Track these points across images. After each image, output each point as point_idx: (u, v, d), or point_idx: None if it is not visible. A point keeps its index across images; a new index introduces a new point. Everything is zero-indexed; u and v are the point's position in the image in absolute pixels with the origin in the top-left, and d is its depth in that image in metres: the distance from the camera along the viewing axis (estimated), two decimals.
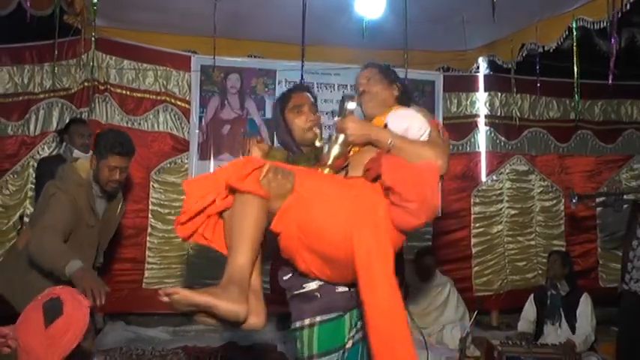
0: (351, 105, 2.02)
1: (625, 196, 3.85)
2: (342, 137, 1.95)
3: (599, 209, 5.63)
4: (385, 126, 1.96)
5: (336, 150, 1.95)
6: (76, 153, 4.22)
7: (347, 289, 1.92)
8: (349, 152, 1.97)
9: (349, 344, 1.94)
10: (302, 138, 2.29)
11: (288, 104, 2.33)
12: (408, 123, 1.92)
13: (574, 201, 3.99)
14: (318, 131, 2.29)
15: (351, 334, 1.95)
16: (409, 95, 2.24)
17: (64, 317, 1.78)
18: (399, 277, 1.82)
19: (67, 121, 4.56)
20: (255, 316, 1.69)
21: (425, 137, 1.91)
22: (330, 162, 1.94)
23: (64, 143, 4.29)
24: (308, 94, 2.39)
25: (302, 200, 1.70)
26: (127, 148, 2.99)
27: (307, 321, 1.92)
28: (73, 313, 1.80)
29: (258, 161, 1.73)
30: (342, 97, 2.05)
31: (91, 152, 3.04)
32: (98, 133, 3.25)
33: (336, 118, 2.02)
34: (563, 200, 5.80)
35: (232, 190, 1.71)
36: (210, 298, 1.54)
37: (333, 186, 1.81)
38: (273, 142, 2.34)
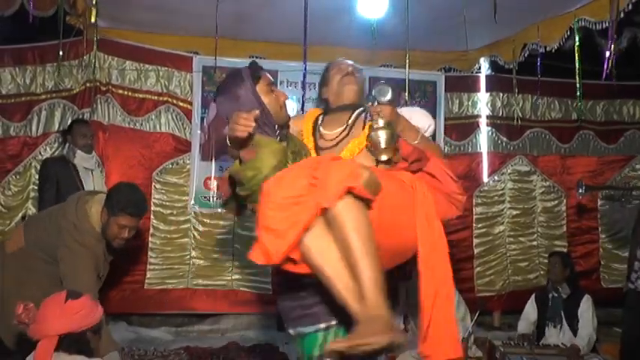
0: (386, 97, 2.05)
1: (634, 192, 3.83)
2: (381, 121, 1.99)
3: (602, 208, 5.64)
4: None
5: (384, 134, 1.97)
6: (79, 154, 4.24)
7: None
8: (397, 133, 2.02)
9: None
10: (278, 116, 2.04)
11: (259, 83, 2.04)
12: (430, 122, 2.13)
13: (581, 191, 3.97)
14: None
15: None
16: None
17: (81, 300, 2.13)
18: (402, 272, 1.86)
19: (70, 121, 4.58)
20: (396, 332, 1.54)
21: (428, 134, 2.09)
22: (384, 145, 1.97)
23: (67, 144, 4.31)
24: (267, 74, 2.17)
25: (387, 198, 1.68)
26: (140, 210, 2.96)
27: (323, 325, 1.90)
28: (90, 304, 2.16)
29: (355, 162, 1.71)
30: (378, 87, 2.08)
31: (102, 200, 2.94)
32: (112, 187, 3.15)
33: (375, 104, 2.06)
34: (565, 201, 5.80)
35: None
36: (381, 337, 1.42)
37: (393, 182, 1.82)
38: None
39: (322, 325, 1.88)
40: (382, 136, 1.96)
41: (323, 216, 1.52)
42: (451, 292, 1.83)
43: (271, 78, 2.09)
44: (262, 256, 1.54)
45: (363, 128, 2.11)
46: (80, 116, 4.78)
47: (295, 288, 1.90)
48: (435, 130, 2.05)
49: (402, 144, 2.03)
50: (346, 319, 1.63)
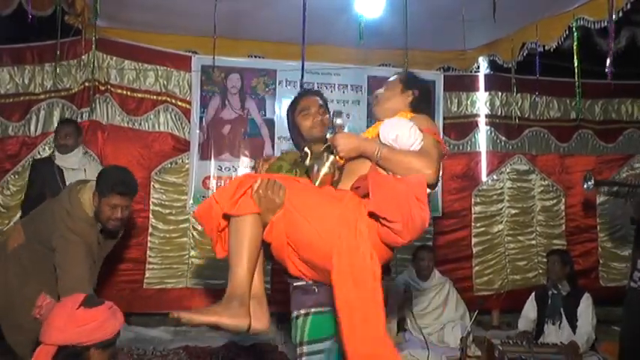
0: (338, 120, 2.10)
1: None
2: (331, 158, 2.02)
3: (601, 207, 5.64)
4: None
5: (324, 170, 2.01)
6: (56, 154, 4.24)
7: None
8: (336, 171, 2.04)
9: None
10: (310, 135, 2.42)
11: (297, 107, 2.48)
12: (397, 132, 1.92)
13: (589, 184, 3.95)
14: (323, 127, 2.43)
15: None
16: (426, 101, 2.28)
17: (95, 310, 1.88)
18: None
19: (58, 122, 4.56)
20: (258, 322, 1.83)
21: (416, 146, 1.92)
22: (317, 182, 2.00)
23: (54, 145, 4.33)
24: (316, 98, 2.52)
25: (290, 215, 1.82)
26: (129, 188, 2.97)
27: (303, 311, 2.06)
28: (105, 316, 1.90)
29: (249, 180, 1.86)
30: (332, 113, 2.17)
31: (93, 186, 2.95)
32: (101, 171, 3.17)
33: (328, 135, 2.14)
34: (563, 200, 5.81)
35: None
36: (214, 318, 1.73)
37: (321, 202, 1.88)
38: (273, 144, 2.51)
39: (301, 311, 2.07)
40: (322, 172, 2.01)
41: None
42: (371, 313, 1.76)
43: (314, 101, 2.48)
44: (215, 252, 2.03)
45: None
46: (79, 116, 4.78)
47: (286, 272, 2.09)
48: (411, 138, 1.92)
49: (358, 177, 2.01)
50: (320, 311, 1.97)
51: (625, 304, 3.87)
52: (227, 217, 1.87)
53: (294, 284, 2.10)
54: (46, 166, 4.22)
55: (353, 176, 1.97)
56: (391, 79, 2.32)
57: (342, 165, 2.05)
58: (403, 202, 1.77)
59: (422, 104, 2.24)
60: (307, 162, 2.20)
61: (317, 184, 2.00)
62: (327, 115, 2.46)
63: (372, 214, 1.77)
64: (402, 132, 1.92)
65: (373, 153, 1.92)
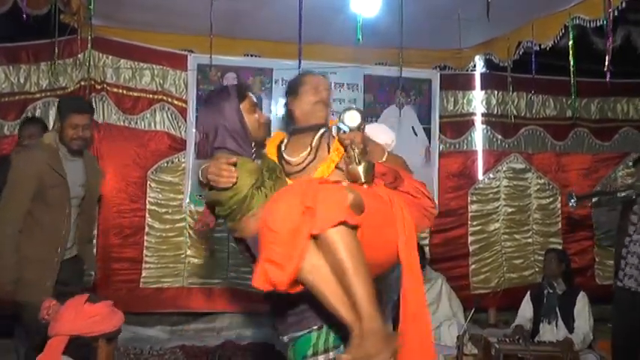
0: (358, 120, 2.04)
1: (619, 194, 3.89)
2: (357, 152, 1.98)
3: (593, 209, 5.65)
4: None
5: (362, 167, 1.96)
6: None
7: None
8: (373, 163, 2.02)
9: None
10: (256, 135, 2.07)
11: (244, 102, 2.05)
12: (392, 138, 2.18)
13: (572, 201, 4.01)
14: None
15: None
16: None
17: (98, 306, 2.13)
18: None
19: (21, 120, 4.44)
20: None
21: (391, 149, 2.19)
22: (364, 179, 1.96)
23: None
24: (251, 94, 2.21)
25: (369, 216, 1.71)
26: (84, 107, 3.30)
27: (315, 326, 1.96)
28: (107, 310, 2.15)
29: (341, 185, 1.70)
30: (349, 114, 2.04)
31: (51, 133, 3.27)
32: (58, 100, 3.65)
33: (342, 133, 2.03)
34: (559, 198, 5.81)
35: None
36: (382, 355, 1.52)
37: (372, 198, 1.84)
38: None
39: (315, 327, 1.95)
40: (361, 170, 1.96)
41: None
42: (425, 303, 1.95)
43: (255, 100, 2.12)
44: (267, 285, 1.61)
45: (329, 150, 2.13)
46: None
47: (285, 297, 1.90)
48: (394, 141, 2.04)
49: (376, 165, 2.05)
50: (335, 321, 1.71)
51: (614, 303, 3.95)
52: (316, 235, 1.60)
53: (284, 313, 2.02)
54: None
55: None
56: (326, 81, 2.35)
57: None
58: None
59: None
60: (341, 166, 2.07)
61: (363, 180, 1.96)
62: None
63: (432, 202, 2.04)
64: (394, 137, 2.20)
65: (382, 153, 2.12)
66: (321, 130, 2.21)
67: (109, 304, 2.19)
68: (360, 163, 1.96)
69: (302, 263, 1.58)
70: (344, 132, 2.03)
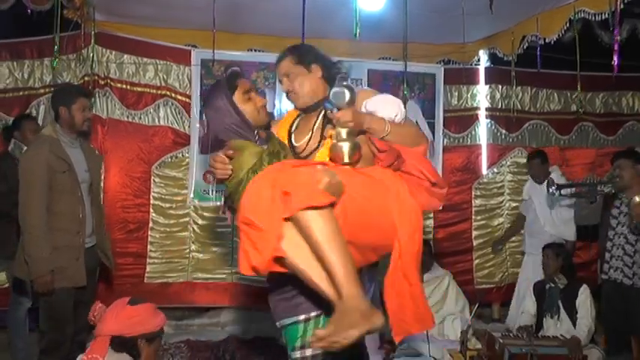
0: (349, 95, 1.97)
1: (599, 187, 3.94)
2: (345, 131, 1.93)
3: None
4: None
5: (347, 145, 1.92)
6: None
7: None
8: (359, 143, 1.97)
9: None
10: (257, 121, 2.11)
11: (236, 92, 2.12)
12: (397, 109, 1.98)
13: (553, 188, 4.04)
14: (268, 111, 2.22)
15: None
16: (334, 69, 2.23)
17: (138, 307, 2.27)
18: None
19: (15, 118, 4.47)
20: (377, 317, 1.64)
21: (401, 120, 2.00)
22: (347, 159, 1.92)
23: (13, 140, 4.22)
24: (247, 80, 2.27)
25: (352, 201, 1.73)
26: (86, 91, 3.60)
27: (302, 316, 2.00)
28: (147, 312, 2.29)
29: (314, 168, 1.69)
30: (330, 94, 1.99)
31: (49, 124, 3.42)
32: (52, 94, 3.69)
33: (334, 111, 1.98)
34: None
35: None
36: (358, 329, 1.52)
37: (366, 182, 1.85)
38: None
39: (301, 317, 1.99)
40: (344, 149, 1.91)
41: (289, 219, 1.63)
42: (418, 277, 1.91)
43: (248, 84, 2.15)
44: (249, 269, 1.67)
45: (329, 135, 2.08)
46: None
47: (280, 282, 2.01)
48: (405, 116, 1.95)
49: (376, 143, 1.96)
50: (328, 311, 1.72)
51: (602, 296, 4.08)
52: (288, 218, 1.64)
53: (277, 298, 2.07)
54: (8, 163, 4.05)
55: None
56: (285, 66, 2.19)
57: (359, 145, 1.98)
58: (435, 169, 1.95)
59: (331, 72, 2.21)
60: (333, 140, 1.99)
61: (347, 160, 1.92)
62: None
63: (434, 184, 1.90)
64: (400, 108, 2.00)
65: (383, 128, 1.95)
66: (323, 111, 2.15)
67: (151, 307, 2.32)
68: (343, 142, 1.92)
69: (280, 245, 1.61)
70: (331, 111, 1.99)
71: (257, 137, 2.06)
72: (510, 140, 5.75)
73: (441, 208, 1.99)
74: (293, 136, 2.21)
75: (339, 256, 1.57)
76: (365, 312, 1.55)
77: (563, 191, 4.59)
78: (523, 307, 4.41)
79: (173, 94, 5.06)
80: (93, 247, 3.40)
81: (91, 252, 3.36)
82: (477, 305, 4.03)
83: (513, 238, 5.71)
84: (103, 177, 4.56)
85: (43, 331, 3.21)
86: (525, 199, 5.20)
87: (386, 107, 1.96)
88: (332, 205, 1.63)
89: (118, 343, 2.21)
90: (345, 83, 2.01)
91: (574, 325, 4.02)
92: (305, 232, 1.60)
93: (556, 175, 4.92)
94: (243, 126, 2.04)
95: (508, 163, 5.76)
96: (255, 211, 1.61)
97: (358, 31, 3.79)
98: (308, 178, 1.61)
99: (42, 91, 4.79)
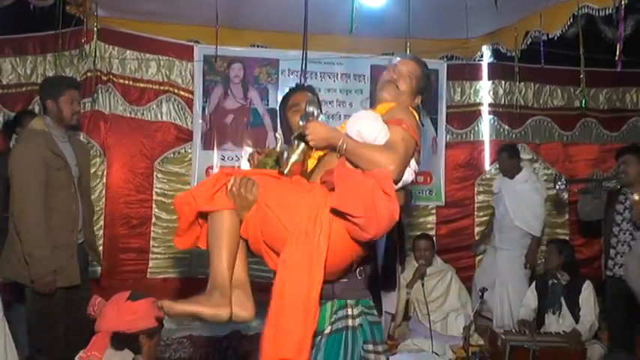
0: (310, 108, 2.01)
1: (604, 183, 3.93)
2: (302, 146, 1.96)
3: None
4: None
5: (294, 158, 1.96)
6: None
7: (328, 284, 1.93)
8: (307, 160, 1.99)
9: (327, 330, 1.97)
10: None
11: (288, 103, 2.49)
12: (359, 126, 1.90)
13: (559, 184, 4.02)
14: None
15: (331, 321, 1.98)
16: (420, 108, 2.21)
17: (138, 303, 2.26)
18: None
19: (16, 114, 4.42)
20: (243, 310, 1.88)
21: (380, 140, 1.88)
22: (286, 170, 1.95)
23: (15, 136, 4.16)
24: (308, 93, 2.46)
25: (262, 211, 1.82)
26: (74, 81, 3.40)
27: None
28: (147, 308, 2.26)
29: (223, 178, 1.87)
30: (306, 102, 2.06)
31: (37, 118, 3.25)
32: (40, 84, 3.61)
33: (300, 123, 2.01)
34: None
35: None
36: (195, 307, 1.73)
37: (291, 195, 1.86)
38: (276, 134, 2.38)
39: None
40: (291, 160, 1.96)
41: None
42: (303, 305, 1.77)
43: (305, 96, 2.38)
44: (176, 245, 2.11)
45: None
46: (81, 106, 4.76)
47: None
48: (375, 132, 1.88)
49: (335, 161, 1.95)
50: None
51: (607, 293, 4.04)
52: (203, 213, 1.91)
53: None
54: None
55: (325, 169, 1.92)
56: (412, 69, 2.17)
57: (311, 155, 1.99)
58: (368, 196, 1.71)
59: (421, 93, 2.19)
60: (278, 148, 2.08)
61: (285, 172, 1.94)
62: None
63: (334, 210, 1.72)
64: (363, 126, 1.89)
65: (337, 144, 1.89)
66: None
67: (150, 302, 2.28)
68: (293, 154, 1.97)
69: (196, 231, 1.99)
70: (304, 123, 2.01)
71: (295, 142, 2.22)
72: (513, 136, 5.74)
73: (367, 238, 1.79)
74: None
75: (216, 252, 1.84)
76: (217, 302, 1.76)
77: (532, 185, 4.85)
78: (524, 301, 4.41)
79: (176, 90, 5.06)
80: (82, 244, 3.28)
81: (81, 249, 3.25)
82: (479, 302, 4.02)
83: None
84: (93, 170, 4.60)
85: (34, 332, 3.12)
86: (495, 193, 5.21)
87: (351, 123, 1.94)
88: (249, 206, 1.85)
89: (120, 339, 2.20)
90: (311, 98, 2.20)
91: (576, 321, 4.02)
92: (208, 224, 1.90)
93: (527, 172, 4.99)
94: (287, 134, 2.39)
95: None
96: (179, 202, 1.96)
97: (355, 26, 3.77)
98: (210, 185, 1.88)
99: None
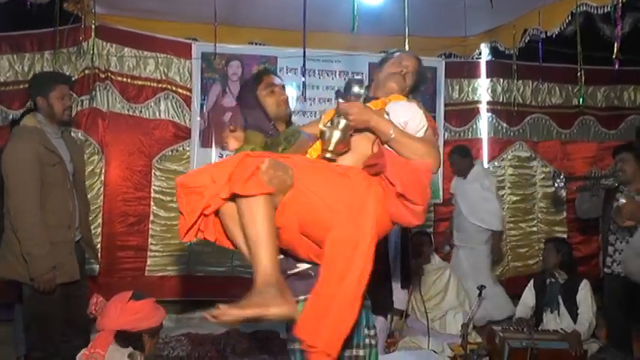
0: (356, 89, 2.00)
1: (602, 181, 3.94)
2: (343, 122, 1.92)
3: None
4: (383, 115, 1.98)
5: (337, 135, 1.91)
6: None
7: None
8: (350, 137, 1.95)
9: None
10: (277, 114, 2.32)
11: (261, 84, 2.34)
12: (410, 116, 1.93)
13: (558, 181, 4.02)
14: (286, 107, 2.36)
15: None
16: (418, 88, 2.28)
17: (141, 303, 2.31)
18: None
19: (22, 112, 4.41)
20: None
21: (421, 133, 1.95)
22: (331, 147, 1.91)
23: None
24: (276, 76, 2.44)
25: (301, 194, 1.74)
26: (65, 76, 3.33)
27: (301, 297, 1.88)
28: (150, 307, 2.33)
29: (256, 159, 1.72)
30: (349, 81, 2.07)
31: (29, 116, 3.17)
32: (29, 81, 3.52)
33: (340, 100, 2.00)
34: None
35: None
36: (259, 309, 1.60)
37: (329, 178, 1.82)
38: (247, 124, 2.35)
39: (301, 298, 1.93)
40: (335, 138, 1.91)
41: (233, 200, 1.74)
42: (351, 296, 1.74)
43: (274, 79, 2.34)
44: (179, 234, 1.92)
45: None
46: (79, 103, 4.77)
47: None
48: (419, 124, 1.93)
49: (376, 146, 1.95)
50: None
51: (605, 291, 4.04)
52: (229, 198, 1.74)
53: (289, 272, 2.00)
54: None
55: (353, 153, 1.93)
56: (415, 64, 2.22)
57: (352, 134, 1.94)
58: (421, 184, 1.82)
59: (415, 90, 2.24)
60: (320, 126, 1.97)
61: (331, 148, 1.90)
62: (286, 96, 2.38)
63: (400, 195, 1.78)
64: (414, 117, 1.94)
65: (387, 131, 1.89)
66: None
67: (152, 301, 2.35)
68: (335, 131, 1.91)
69: (221, 215, 1.81)
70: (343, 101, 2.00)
71: (272, 127, 2.24)
72: (511, 134, 5.75)
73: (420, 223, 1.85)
74: None
75: (258, 240, 1.67)
76: (279, 296, 1.62)
77: (481, 183, 5.01)
78: (522, 299, 4.41)
79: (174, 88, 5.06)
80: (79, 241, 3.26)
81: (78, 246, 3.24)
82: (477, 299, 4.03)
83: (514, 232, 5.72)
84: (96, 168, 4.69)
85: (32, 329, 3.09)
86: (452, 193, 5.34)
87: (397, 112, 1.95)
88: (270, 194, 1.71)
89: (123, 338, 2.24)
90: (355, 78, 2.10)
91: (574, 320, 4.02)
92: (239, 213, 1.72)
93: (477, 170, 5.11)
94: (261, 116, 2.28)
95: (509, 156, 5.77)
96: (189, 184, 1.78)
97: (357, 24, 3.76)
98: (247, 168, 1.69)
99: None
